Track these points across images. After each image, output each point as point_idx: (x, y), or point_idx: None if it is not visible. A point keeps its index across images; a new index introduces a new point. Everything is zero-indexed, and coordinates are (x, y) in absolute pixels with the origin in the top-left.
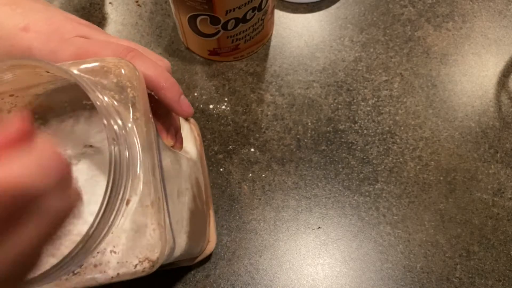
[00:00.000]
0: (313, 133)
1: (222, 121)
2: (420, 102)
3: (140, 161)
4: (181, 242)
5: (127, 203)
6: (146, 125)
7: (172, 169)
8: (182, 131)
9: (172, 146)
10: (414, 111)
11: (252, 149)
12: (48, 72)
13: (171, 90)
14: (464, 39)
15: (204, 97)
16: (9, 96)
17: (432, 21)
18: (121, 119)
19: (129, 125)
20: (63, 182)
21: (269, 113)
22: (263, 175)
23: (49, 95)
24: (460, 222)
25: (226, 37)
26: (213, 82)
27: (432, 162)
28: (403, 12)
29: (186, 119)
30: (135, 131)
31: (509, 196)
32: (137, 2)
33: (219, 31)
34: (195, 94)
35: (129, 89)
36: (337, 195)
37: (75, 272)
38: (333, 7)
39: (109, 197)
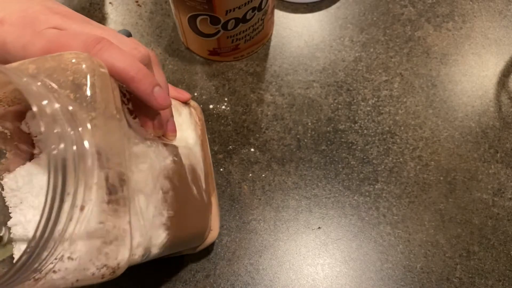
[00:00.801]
0: (313, 133)
1: (222, 121)
2: (420, 102)
3: (94, 165)
4: (161, 239)
5: (81, 209)
6: (107, 124)
7: (152, 163)
8: (179, 117)
9: (162, 136)
10: (414, 111)
11: (252, 149)
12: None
13: (142, 82)
14: (464, 39)
15: (204, 97)
16: None
17: (432, 21)
18: (71, 122)
19: (81, 128)
20: None
21: (269, 113)
22: (263, 175)
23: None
24: (460, 222)
25: (226, 37)
26: (213, 82)
27: (432, 162)
28: (403, 12)
29: (186, 103)
30: (90, 133)
31: (509, 196)
32: (137, 2)
33: (219, 31)
34: (195, 94)
35: (85, 87)
36: (337, 195)
37: (36, 277)
38: (333, 7)
39: (50, 206)
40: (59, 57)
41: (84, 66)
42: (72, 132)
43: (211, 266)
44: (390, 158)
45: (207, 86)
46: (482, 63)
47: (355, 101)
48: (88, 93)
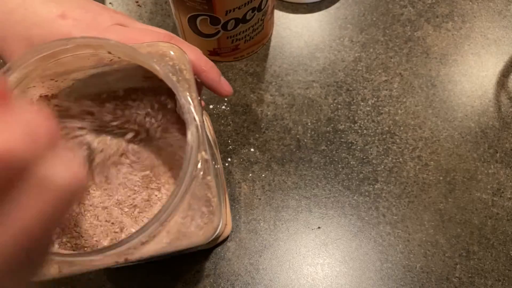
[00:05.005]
0: (313, 133)
1: (222, 121)
2: (419, 102)
3: (204, 138)
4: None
5: (196, 177)
6: (199, 105)
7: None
8: None
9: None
10: (414, 111)
11: (252, 149)
12: (110, 53)
13: (211, 72)
14: (463, 39)
15: (204, 97)
16: (50, 80)
17: (432, 21)
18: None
19: (192, 105)
20: (61, 156)
21: (269, 113)
22: (263, 175)
23: (85, 80)
24: (460, 222)
25: (226, 37)
26: None
27: (432, 162)
28: (402, 12)
29: None
30: (197, 109)
31: (509, 196)
32: (137, 2)
33: (219, 31)
34: None
35: (185, 72)
36: (337, 195)
37: (144, 241)
38: (333, 7)
39: (187, 173)
40: (155, 45)
41: (178, 54)
42: (191, 108)
43: (211, 266)
44: (390, 158)
45: None
46: (482, 63)
47: (354, 101)
48: (188, 76)
